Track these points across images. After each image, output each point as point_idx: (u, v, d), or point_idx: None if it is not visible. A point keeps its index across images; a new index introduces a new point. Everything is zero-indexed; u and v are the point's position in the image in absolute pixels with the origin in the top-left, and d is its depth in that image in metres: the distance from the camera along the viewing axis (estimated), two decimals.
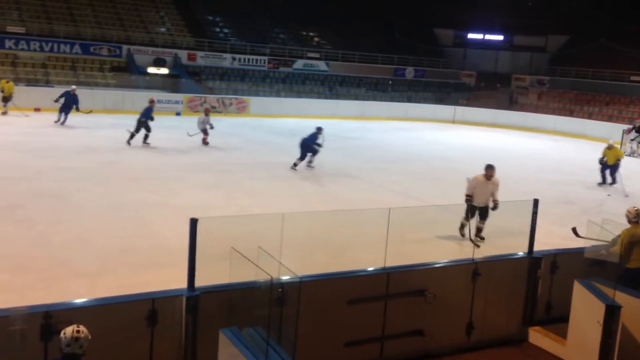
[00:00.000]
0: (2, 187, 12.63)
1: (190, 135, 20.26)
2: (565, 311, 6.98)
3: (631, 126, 26.36)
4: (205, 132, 20.10)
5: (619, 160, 17.89)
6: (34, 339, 4.77)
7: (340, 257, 9.67)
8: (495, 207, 10.45)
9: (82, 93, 27.03)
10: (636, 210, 7.29)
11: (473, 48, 43.00)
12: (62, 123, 22.02)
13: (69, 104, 22.10)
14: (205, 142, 20.09)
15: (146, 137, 19.28)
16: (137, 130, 19.17)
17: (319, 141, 16.97)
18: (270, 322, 4.80)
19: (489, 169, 10.55)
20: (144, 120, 19.19)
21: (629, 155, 25.41)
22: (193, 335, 5.40)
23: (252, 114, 30.54)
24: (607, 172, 17.91)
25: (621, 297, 6.25)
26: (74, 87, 22.56)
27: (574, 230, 7.64)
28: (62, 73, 29.25)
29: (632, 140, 25.70)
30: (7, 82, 23.87)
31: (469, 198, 10.48)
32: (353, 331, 6.27)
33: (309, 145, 16.91)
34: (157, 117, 27.00)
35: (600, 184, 17.84)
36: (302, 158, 16.83)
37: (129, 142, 18.95)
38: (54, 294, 6.90)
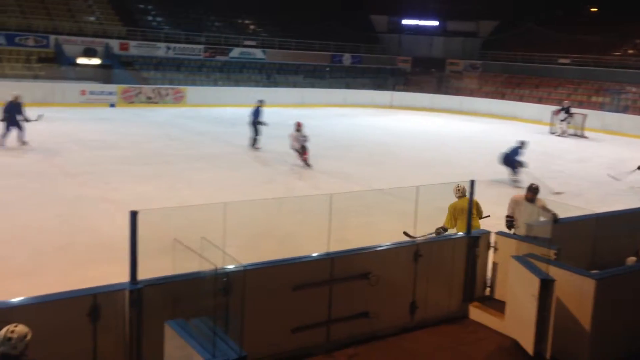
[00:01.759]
0: None
1: (301, 157, 16.52)
2: (502, 288, 7.24)
3: (560, 107, 27.36)
4: (304, 150, 16.41)
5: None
6: None
7: (285, 245, 9.70)
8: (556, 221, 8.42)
9: (9, 86, 26.01)
10: (457, 187, 8.78)
11: (408, 34, 43.58)
12: (24, 142, 16.92)
13: (13, 117, 16.88)
14: (307, 163, 16.26)
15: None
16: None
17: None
18: (216, 312, 4.79)
19: (529, 191, 8.66)
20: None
21: (559, 136, 26.44)
22: (138, 329, 5.32)
23: (189, 104, 30.06)
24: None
25: (555, 272, 6.53)
26: (16, 93, 17.47)
27: (405, 233, 8.17)
28: None
29: (562, 121, 26.68)
30: None
31: (510, 220, 8.74)
32: (299, 317, 6.32)
33: None
34: (90, 109, 26.36)
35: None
36: None
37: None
38: None
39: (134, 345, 5.34)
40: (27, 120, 16.81)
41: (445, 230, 8.70)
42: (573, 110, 27.14)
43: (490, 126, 29.38)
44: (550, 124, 27.49)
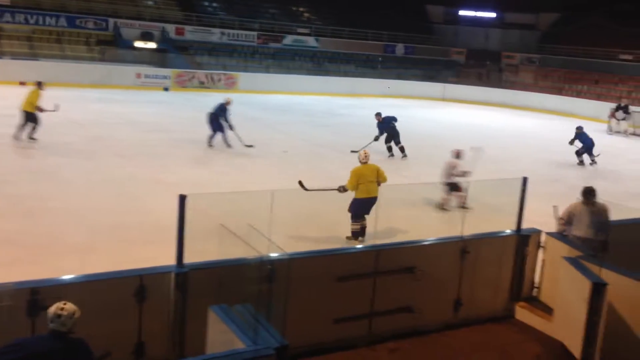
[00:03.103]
0: None
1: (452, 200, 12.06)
2: (552, 289, 7.05)
3: (617, 105, 26.31)
4: (457, 188, 11.74)
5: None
6: (20, 315, 4.75)
7: (330, 234, 9.70)
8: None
9: (68, 67, 26.82)
10: (364, 152, 9.41)
11: (464, 25, 42.77)
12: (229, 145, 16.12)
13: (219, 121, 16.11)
14: (464, 205, 11.54)
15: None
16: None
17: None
18: (259, 299, 4.81)
19: (585, 195, 7.75)
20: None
21: (617, 135, 25.48)
22: (182, 312, 5.40)
23: (240, 90, 30.32)
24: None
25: (608, 275, 6.31)
26: (227, 97, 16.67)
27: (300, 183, 9.24)
28: (47, 46, 28.81)
29: (621, 120, 25.69)
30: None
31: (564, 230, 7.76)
32: (342, 308, 6.30)
33: None
34: (144, 92, 26.87)
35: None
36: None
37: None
38: (42, 270, 6.86)
39: (177, 328, 5.42)
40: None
41: (346, 190, 9.29)
42: (633, 108, 26.16)
43: (544, 122, 28.63)
44: (607, 121, 26.55)
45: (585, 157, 17.78)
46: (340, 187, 9.38)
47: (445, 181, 11.67)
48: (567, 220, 7.72)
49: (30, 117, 14.52)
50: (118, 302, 5.23)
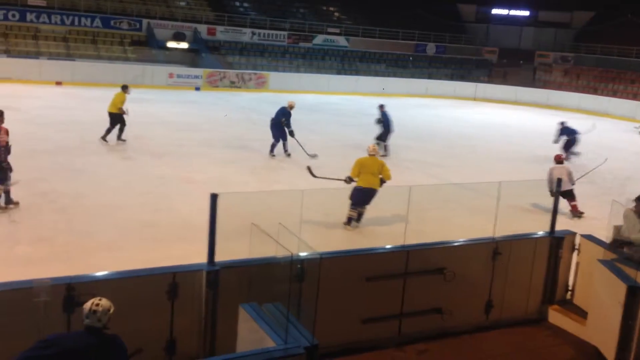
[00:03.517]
0: (26, 161, 12.75)
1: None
2: (585, 292, 6.92)
3: None
4: (572, 195, 11.52)
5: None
6: (57, 311, 4.83)
7: (360, 234, 9.68)
8: None
9: (103, 67, 27.26)
10: (373, 146, 10.12)
11: (496, 24, 42.28)
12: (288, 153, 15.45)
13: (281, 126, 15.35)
14: (578, 214, 11.37)
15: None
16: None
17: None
18: (289, 298, 4.82)
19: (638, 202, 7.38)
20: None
21: None
22: (213, 310, 5.45)
23: (271, 89, 30.46)
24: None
25: None
26: (291, 101, 15.93)
27: (309, 169, 9.93)
28: (83, 47, 29.37)
29: None
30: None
31: (618, 241, 7.32)
32: (371, 308, 6.28)
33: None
34: (176, 92, 27.18)
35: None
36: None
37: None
38: (76, 267, 6.99)
39: (208, 325, 5.47)
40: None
41: (352, 180, 9.76)
42: None
43: (579, 122, 28.04)
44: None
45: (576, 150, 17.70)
46: (347, 177, 9.79)
47: (564, 189, 10.77)
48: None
49: (117, 119, 15.10)
50: (151, 299, 5.30)
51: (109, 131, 15.06)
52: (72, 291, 4.88)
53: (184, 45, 31.99)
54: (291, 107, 15.49)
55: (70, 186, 11.19)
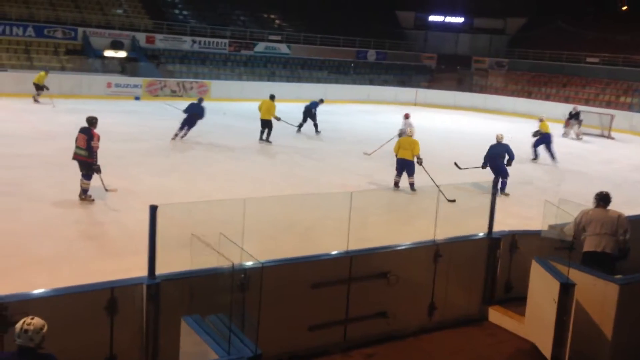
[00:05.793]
0: None
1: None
2: (524, 290, 7.13)
3: (570, 113, 25.62)
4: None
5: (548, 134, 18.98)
6: None
7: (305, 242, 9.68)
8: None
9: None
10: (410, 130, 14.73)
11: (434, 30, 43.22)
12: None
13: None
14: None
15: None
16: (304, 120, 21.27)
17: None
18: (232, 309, 4.78)
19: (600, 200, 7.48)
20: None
21: (574, 139, 25.28)
22: (154, 324, 5.34)
23: (213, 98, 30.14)
24: (541, 147, 18.90)
25: (575, 275, 6.40)
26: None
27: (456, 164, 13.79)
28: (15, 57, 28.38)
29: (577, 126, 25.27)
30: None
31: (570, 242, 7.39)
32: (317, 315, 6.29)
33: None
34: (115, 102, 26.59)
35: (533, 160, 18.76)
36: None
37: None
38: (11, 283, 6.73)
39: (150, 340, 5.36)
40: None
41: (419, 158, 13.49)
42: (583, 113, 25.99)
43: (514, 125, 28.99)
44: (565, 123, 26.12)
45: (542, 151, 18.83)
46: (418, 159, 13.51)
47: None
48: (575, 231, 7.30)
49: (267, 124, 18.74)
50: (89, 315, 5.15)
51: (262, 133, 18.85)
52: (5, 310, 4.69)
53: (122, 54, 31.32)
54: (322, 101, 21.94)
55: (3, 201, 10.79)
